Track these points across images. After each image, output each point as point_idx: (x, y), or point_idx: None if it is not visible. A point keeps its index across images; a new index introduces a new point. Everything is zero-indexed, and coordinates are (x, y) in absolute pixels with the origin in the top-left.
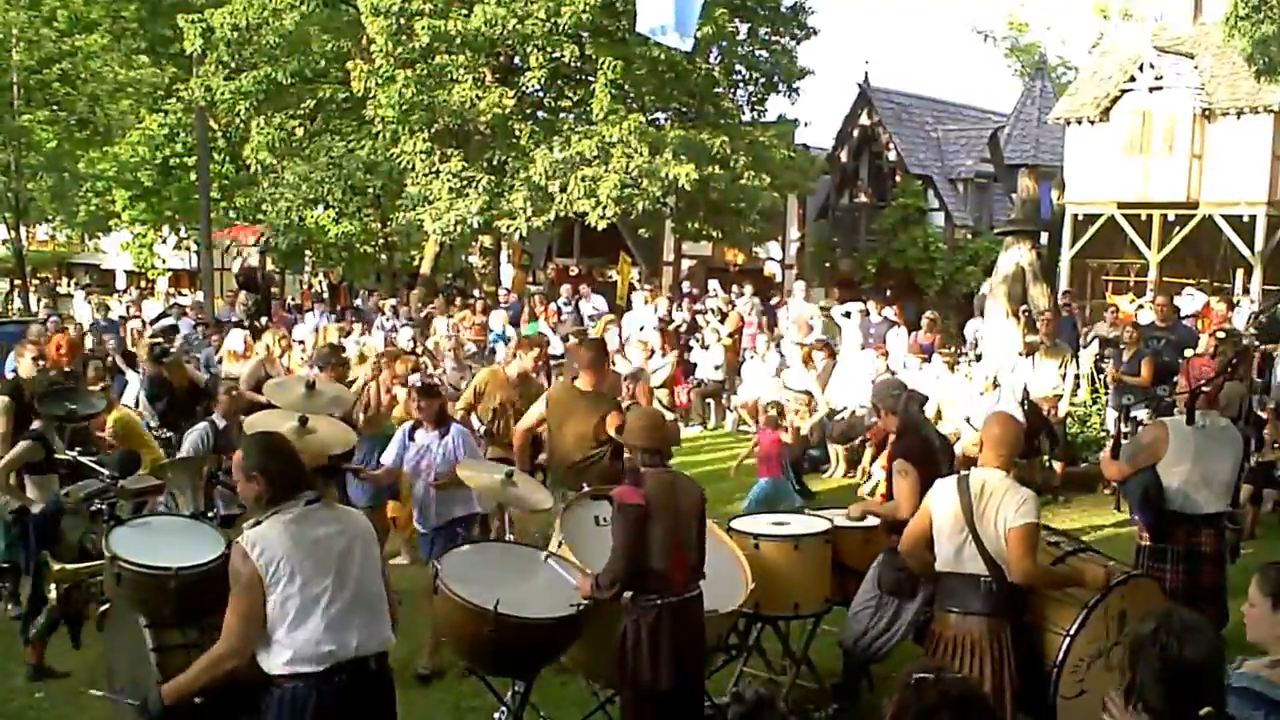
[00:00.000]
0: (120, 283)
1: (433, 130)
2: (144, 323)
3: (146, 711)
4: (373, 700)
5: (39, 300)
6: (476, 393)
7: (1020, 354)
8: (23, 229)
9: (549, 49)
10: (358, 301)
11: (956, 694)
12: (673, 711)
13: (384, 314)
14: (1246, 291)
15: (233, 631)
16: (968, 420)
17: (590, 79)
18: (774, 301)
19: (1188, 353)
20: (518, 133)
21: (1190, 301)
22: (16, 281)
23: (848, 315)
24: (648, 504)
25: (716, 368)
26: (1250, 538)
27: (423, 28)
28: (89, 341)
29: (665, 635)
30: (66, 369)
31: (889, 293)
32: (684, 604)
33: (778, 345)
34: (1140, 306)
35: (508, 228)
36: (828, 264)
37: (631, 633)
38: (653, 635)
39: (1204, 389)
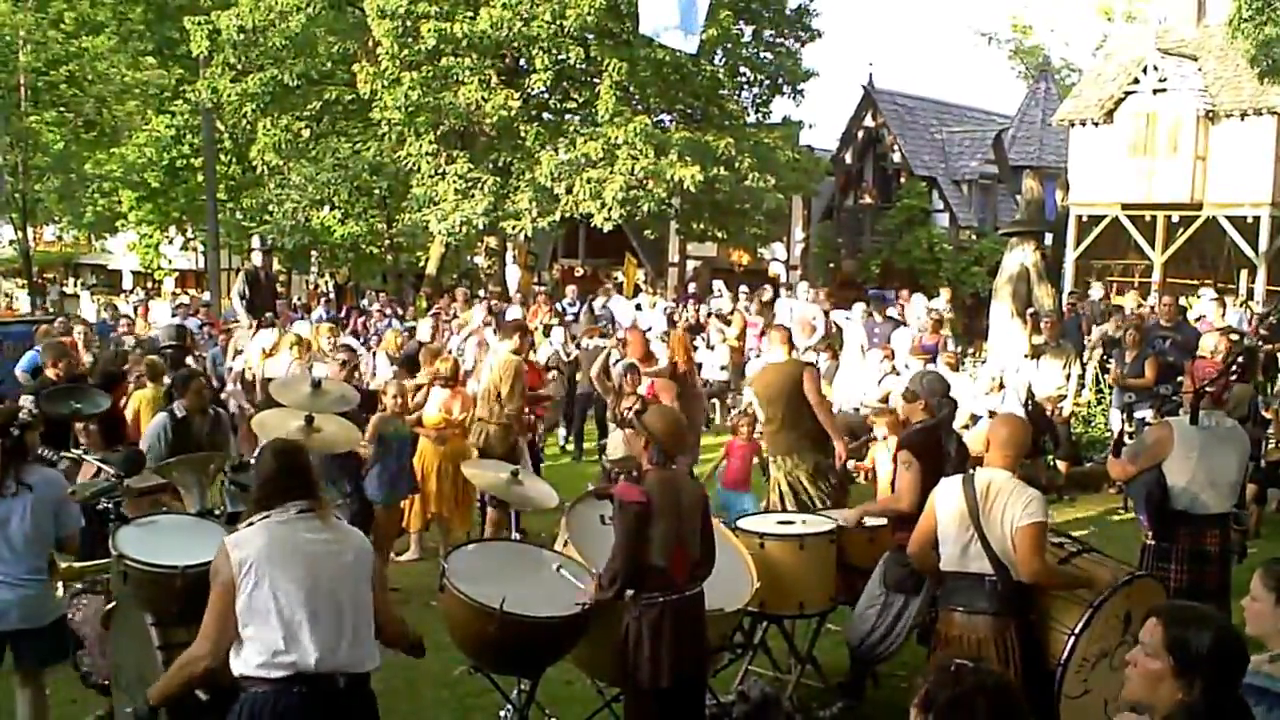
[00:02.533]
0: (127, 283)
1: (439, 132)
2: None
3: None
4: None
5: (49, 300)
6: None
7: (1025, 355)
8: (30, 229)
9: (554, 51)
10: (364, 301)
11: (992, 684)
12: (675, 709)
13: (387, 314)
14: (1251, 294)
15: (206, 631)
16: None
17: (595, 81)
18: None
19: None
20: (523, 134)
21: (1207, 304)
22: (21, 282)
23: (848, 317)
24: (649, 502)
25: (722, 368)
26: (1255, 537)
27: (429, 30)
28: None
29: (667, 633)
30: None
31: (893, 294)
32: (685, 601)
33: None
34: (1140, 306)
35: (513, 229)
36: (832, 265)
37: (633, 630)
38: (654, 633)
39: (1208, 390)
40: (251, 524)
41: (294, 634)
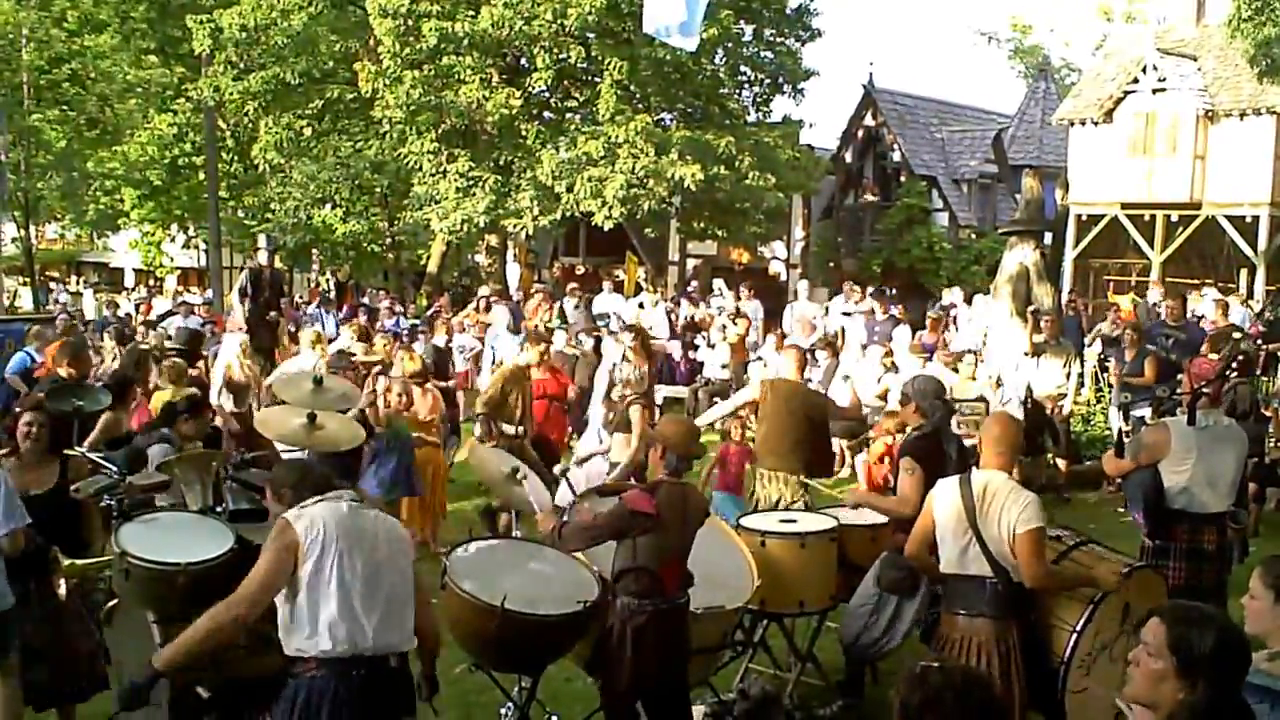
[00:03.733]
0: (129, 281)
1: (440, 130)
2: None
3: (124, 697)
4: (391, 698)
5: (54, 298)
6: (504, 393)
7: (1025, 353)
8: (32, 227)
9: (555, 50)
10: (364, 299)
11: (959, 678)
12: (655, 713)
13: (392, 313)
14: (1250, 293)
15: (250, 585)
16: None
17: (596, 80)
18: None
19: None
20: (524, 133)
21: (1208, 304)
22: (23, 280)
23: (849, 314)
24: (659, 515)
25: (723, 367)
26: (1254, 535)
27: (430, 29)
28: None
29: (650, 638)
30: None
31: (893, 291)
32: (672, 610)
33: (781, 345)
34: (1137, 305)
35: (514, 227)
36: (832, 263)
37: (617, 632)
38: (637, 637)
39: (1205, 390)
40: (306, 506)
41: (356, 614)
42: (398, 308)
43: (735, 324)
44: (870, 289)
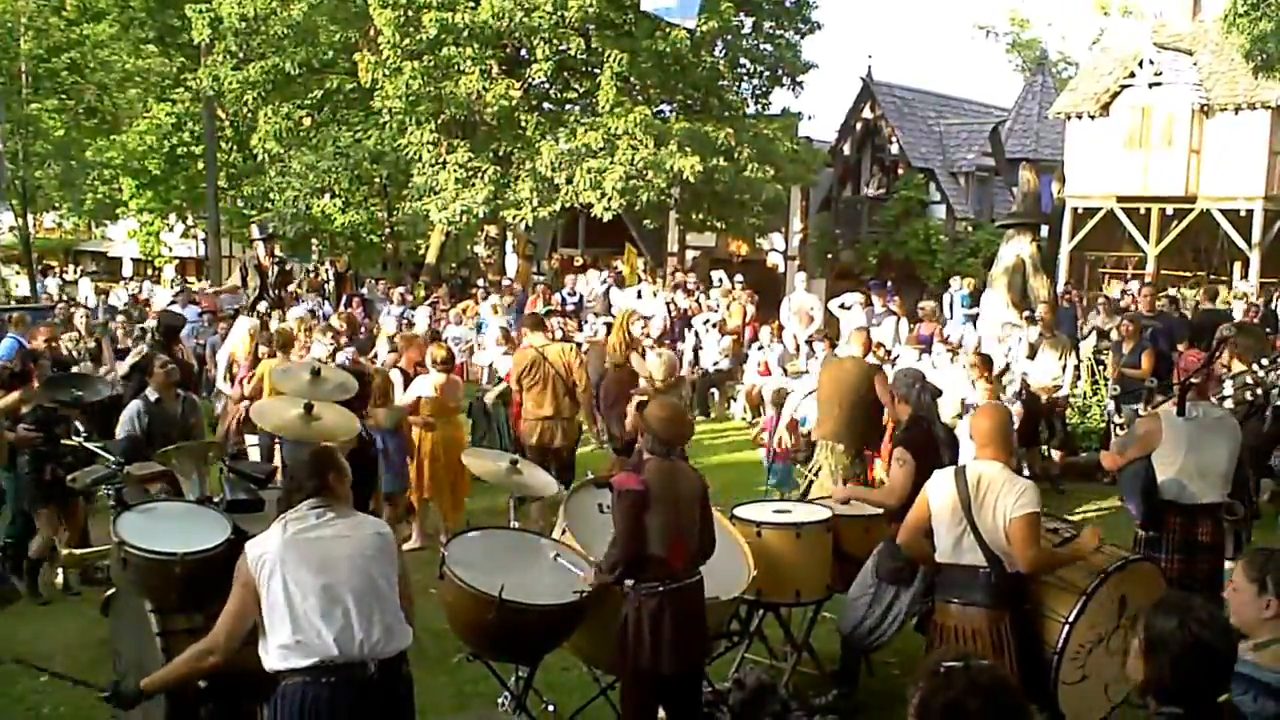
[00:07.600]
0: (127, 270)
1: (439, 121)
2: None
3: (117, 697)
4: (375, 706)
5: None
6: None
7: (1021, 341)
8: (30, 216)
9: (555, 41)
10: (363, 290)
11: (986, 681)
12: (673, 696)
13: (392, 301)
14: (1244, 277)
15: (220, 627)
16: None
17: (596, 71)
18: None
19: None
20: (524, 124)
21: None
22: (18, 269)
23: (845, 307)
24: (646, 490)
25: (723, 356)
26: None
27: (430, 20)
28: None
29: (667, 620)
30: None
31: (889, 284)
32: (685, 589)
33: (779, 335)
34: (1124, 293)
35: (513, 218)
36: (829, 255)
37: (633, 618)
38: (654, 620)
39: (1194, 381)
40: (270, 530)
41: (312, 625)
42: (409, 296)
43: (729, 312)
44: (871, 280)
